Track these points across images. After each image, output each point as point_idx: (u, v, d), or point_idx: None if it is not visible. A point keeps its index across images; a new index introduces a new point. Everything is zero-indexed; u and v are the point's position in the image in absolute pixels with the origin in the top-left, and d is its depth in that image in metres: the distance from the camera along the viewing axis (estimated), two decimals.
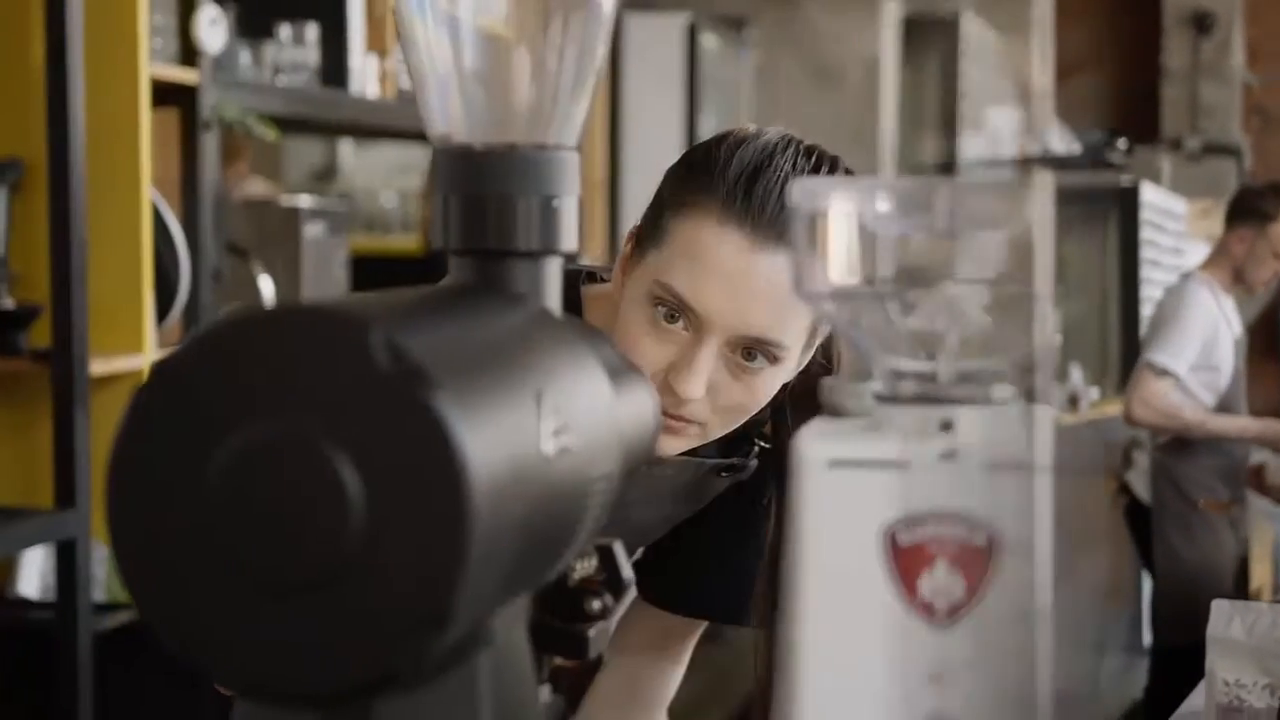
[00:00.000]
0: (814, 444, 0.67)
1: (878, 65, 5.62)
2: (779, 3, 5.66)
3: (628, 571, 0.85)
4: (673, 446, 1.30)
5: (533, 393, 0.65)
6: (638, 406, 0.81)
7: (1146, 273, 6.90)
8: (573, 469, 0.68)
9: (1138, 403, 4.42)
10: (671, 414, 1.27)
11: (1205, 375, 4.46)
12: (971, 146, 5.82)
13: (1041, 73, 6.21)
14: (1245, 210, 4.53)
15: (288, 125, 3.48)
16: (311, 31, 3.23)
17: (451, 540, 0.58)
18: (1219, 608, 2.04)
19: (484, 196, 0.74)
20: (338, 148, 5.67)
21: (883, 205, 0.67)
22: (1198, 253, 8.11)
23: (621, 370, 0.81)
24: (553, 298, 0.76)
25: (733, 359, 1.26)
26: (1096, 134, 6.89)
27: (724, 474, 1.44)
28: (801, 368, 1.34)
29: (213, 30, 2.76)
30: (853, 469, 0.66)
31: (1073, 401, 5.64)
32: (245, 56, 3.05)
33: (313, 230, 3.19)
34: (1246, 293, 4.63)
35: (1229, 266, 4.51)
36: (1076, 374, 6.16)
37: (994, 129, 6.00)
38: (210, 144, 2.81)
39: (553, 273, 0.76)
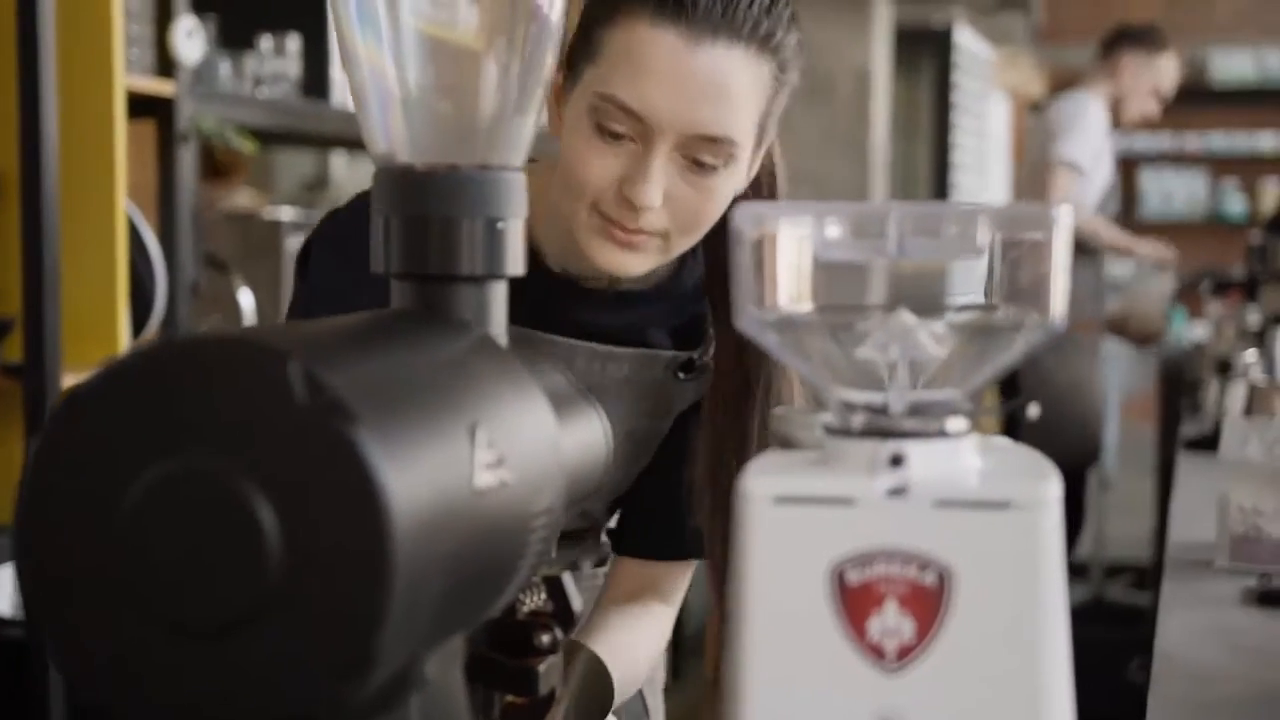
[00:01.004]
0: (760, 479, 0.64)
1: (869, 77, 5.60)
2: None
3: (578, 603, 0.82)
4: (636, 264, 1.28)
5: (467, 425, 0.62)
6: (585, 434, 0.78)
7: (954, 117, 6.90)
8: (510, 503, 0.65)
9: (1057, 203, 4.38)
10: (630, 228, 1.25)
11: (1094, 178, 4.49)
12: None
13: None
14: (1137, 39, 4.58)
15: (270, 137, 3.45)
16: (293, 43, 3.20)
17: (372, 580, 0.55)
18: (1233, 425, 1.84)
19: (426, 218, 0.72)
20: (330, 159, 5.64)
21: (831, 231, 0.64)
22: (999, 102, 8.14)
23: (569, 398, 0.78)
24: (498, 323, 0.74)
25: (685, 164, 1.25)
26: None
27: (682, 375, 1.41)
28: (753, 175, 1.33)
29: (190, 42, 2.74)
30: (800, 505, 0.63)
31: None
32: (225, 68, 3.02)
33: (295, 243, 3.16)
34: (1114, 125, 4.65)
35: (1109, 93, 4.56)
36: None
37: None
38: (187, 156, 2.78)
39: (498, 297, 0.74)
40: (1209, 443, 2.62)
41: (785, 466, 0.66)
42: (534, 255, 1.36)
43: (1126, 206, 9.09)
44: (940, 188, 6.93)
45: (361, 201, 1.35)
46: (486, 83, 0.74)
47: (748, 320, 0.65)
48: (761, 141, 1.31)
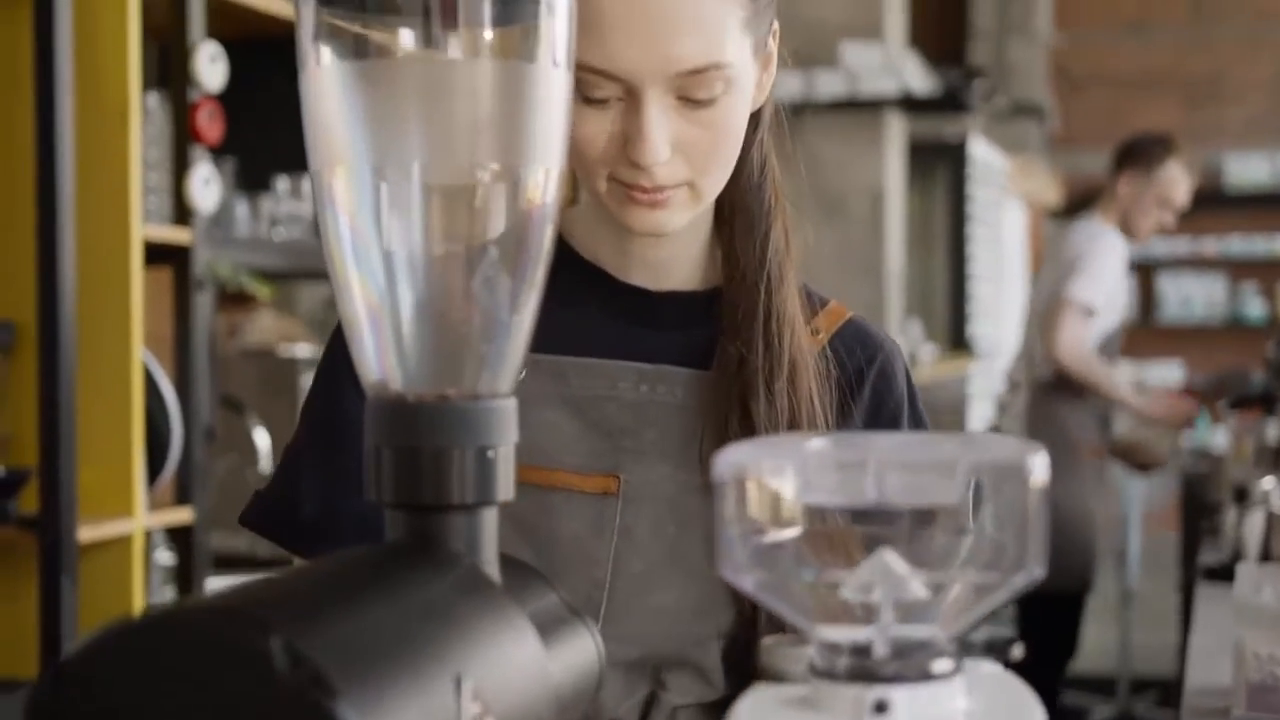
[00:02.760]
0: None
1: (883, 194, 5.63)
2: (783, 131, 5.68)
3: None
4: (670, 220, 1.20)
5: (452, 676, 0.63)
6: (576, 657, 0.78)
7: (970, 228, 6.91)
8: None
9: (1064, 344, 4.32)
10: (650, 188, 1.17)
11: (1102, 319, 4.44)
12: (827, 84, 5.63)
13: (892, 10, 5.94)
14: (1133, 155, 4.56)
15: (287, 276, 3.48)
16: (309, 184, 3.24)
17: None
18: (1245, 571, 1.81)
19: (417, 449, 0.72)
20: None
21: (812, 474, 0.65)
22: (1014, 210, 8.17)
23: (558, 618, 0.78)
24: (488, 550, 0.74)
25: (681, 104, 1.16)
26: (954, 72, 6.51)
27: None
28: (768, 85, 1.26)
29: (207, 190, 2.77)
30: None
31: (911, 359, 5.65)
32: (243, 209, 3.05)
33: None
34: (1131, 241, 4.61)
35: (1117, 212, 4.54)
36: (915, 329, 6.09)
37: (850, 66, 5.69)
38: (203, 302, 2.80)
39: (489, 525, 0.74)
40: (1227, 572, 2.60)
41: (771, 710, 0.66)
42: (582, 260, 1.29)
43: (1145, 311, 9.10)
44: (958, 300, 6.94)
45: None
46: (478, 309, 0.75)
47: (729, 567, 0.65)
48: (760, 47, 1.22)
